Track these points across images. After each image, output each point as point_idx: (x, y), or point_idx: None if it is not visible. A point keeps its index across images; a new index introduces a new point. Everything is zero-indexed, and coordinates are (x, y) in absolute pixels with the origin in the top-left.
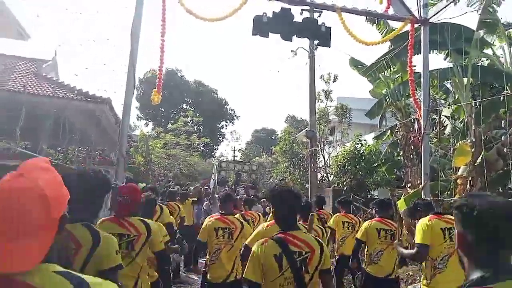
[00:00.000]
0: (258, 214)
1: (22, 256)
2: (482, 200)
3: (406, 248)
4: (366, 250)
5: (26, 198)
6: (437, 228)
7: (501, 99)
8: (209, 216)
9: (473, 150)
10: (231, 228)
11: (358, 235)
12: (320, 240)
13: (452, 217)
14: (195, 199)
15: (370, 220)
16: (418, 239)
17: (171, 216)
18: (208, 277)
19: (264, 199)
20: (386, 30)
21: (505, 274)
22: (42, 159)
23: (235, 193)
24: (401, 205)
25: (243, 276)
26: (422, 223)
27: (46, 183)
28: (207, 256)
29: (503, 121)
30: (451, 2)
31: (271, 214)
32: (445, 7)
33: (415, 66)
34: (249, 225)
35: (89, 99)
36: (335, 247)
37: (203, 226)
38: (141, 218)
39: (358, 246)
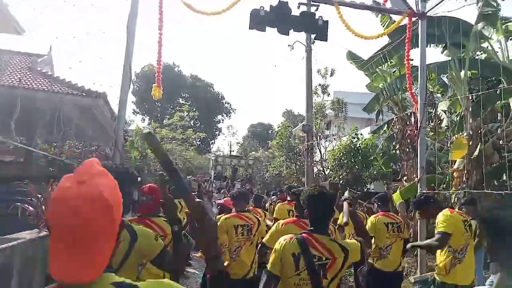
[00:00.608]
0: (264, 212)
1: (87, 266)
2: (505, 211)
3: (408, 240)
4: (375, 245)
5: (91, 207)
6: (459, 220)
7: (497, 92)
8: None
9: (470, 143)
10: (250, 225)
11: None
12: (347, 247)
13: (463, 212)
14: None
15: (375, 215)
16: (441, 227)
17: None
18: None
19: (264, 196)
20: (388, 22)
21: None
22: (94, 161)
23: (233, 188)
24: (397, 198)
25: (267, 265)
26: (445, 214)
27: (107, 190)
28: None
29: (499, 114)
30: None
31: (276, 209)
32: (442, 0)
33: (412, 59)
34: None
35: (84, 94)
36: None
37: (220, 222)
38: (166, 219)
39: None
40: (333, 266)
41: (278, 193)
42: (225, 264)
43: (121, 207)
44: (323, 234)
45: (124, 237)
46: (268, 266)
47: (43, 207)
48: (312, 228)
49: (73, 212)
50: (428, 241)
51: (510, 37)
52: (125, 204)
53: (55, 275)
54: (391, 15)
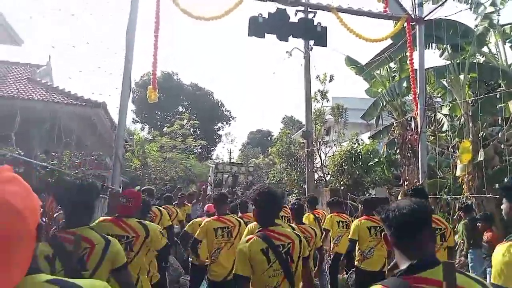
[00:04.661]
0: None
1: (4, 272)
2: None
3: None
4: (358, 248)
5: None
6: None
7: (497, 96)
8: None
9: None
10: (230, 227)
11: (351, 235)
12: (297, 233)
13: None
14: (194, 201)
15: (358, 219)
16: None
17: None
18: (208, 276)
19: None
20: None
21: (428, 263)
22: (5, 168)
23: (234, 195)
24: None
25: (233, 272)
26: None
27: (14, 196)
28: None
29: (499, 118)
30: (444, 1)
31: None
32: (437, 6)
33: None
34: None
35: (84, 104)
36: (331, 247)
37: (201, 225)
38: (139, 220)
39: (352, 246)
40: (294, 248)
41: None
42: (205, 265)
43: (35, 211)
44: (273, 225)
45: (99, 241)
46: (236, 271)
47: (43, 218)
48: (263, 224)
49: None
50: None
51: (508, 40)
52: (88, 215)
53: None
54: None
